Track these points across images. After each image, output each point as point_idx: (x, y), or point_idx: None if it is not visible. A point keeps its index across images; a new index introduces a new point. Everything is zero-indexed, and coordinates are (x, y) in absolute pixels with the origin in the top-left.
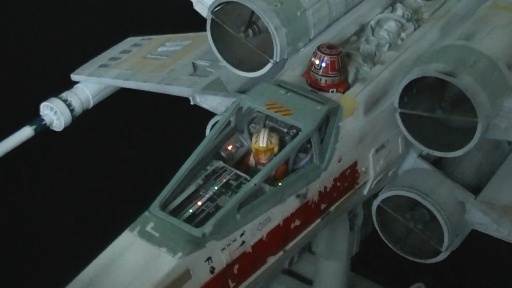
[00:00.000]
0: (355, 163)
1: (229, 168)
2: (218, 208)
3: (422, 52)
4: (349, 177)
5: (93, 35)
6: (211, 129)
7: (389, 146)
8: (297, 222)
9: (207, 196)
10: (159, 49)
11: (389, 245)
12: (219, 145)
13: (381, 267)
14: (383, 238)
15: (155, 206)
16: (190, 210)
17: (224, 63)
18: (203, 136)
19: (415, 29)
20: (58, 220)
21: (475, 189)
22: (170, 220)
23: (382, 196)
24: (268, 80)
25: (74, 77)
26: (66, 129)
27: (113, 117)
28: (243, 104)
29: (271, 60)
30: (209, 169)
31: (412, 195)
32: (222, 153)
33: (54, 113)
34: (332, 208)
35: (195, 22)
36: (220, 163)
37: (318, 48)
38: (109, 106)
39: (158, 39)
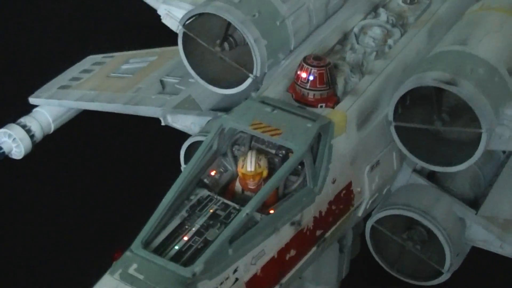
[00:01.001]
0: (350, 183)
1: (215, 197)
2: (207, 242)
3: (411, 59)
4: (344, 199)
5: (49, 54)
6: (185, 151)
7: (384, 162)
8: (293, 253)
9: (194, 229)
10: (123, 67)
11: (385, 267)
12: (202, 171)
13: None
14: (378, 260)
15: (137, 244)
16: (176, 247)
17: (199, 80)
18: (176, 159)
19: (401, 35)
20: (17, 254)
21: (473, 203)
22: (155, 259)
23: (376, 216)
24: (251, 97)
25: (32, 100)
26: (26, 156)
27: (77, 141)
28: (227, 125)
29: (250, 75)
30: (193, 199)
31: (410, 214)
32: (206, 180)
33: (13, 140)
34: (328, 234)
35: (158, 37)
36: (205, 192)
37: (304, 60)
38: (72, 129)
39: (121, 56)
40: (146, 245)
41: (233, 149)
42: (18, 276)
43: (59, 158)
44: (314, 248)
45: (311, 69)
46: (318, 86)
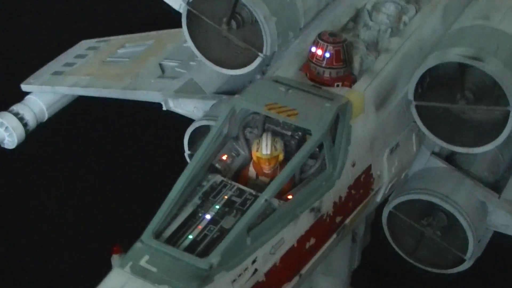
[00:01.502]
0: (369, 167)
1: (229, 182)
2: (223, 231)
3: (427, 37)
4: (364, 184)
5: (41, 39)
6: (189, 137)
7: (404, 145)
8: (312, 241)
9: (208, 217)
10: (119, 51)
11: (403, 255)
12: (213, 156)
13: (385, 283)
14: (396, 248)
15: (148, 234)
16: (190, 236)
17: (205, 61)
18: (180, 146)
19: (416, 12)
20: (8, 246)
21: (493, 187)
22: (168, 250)
23: (394, 202)
24: (263, 77)
25: (25, 87)
26: (19, 146)
27: (72, 129)
28: (240, 106)
29: (260, 54)
30: (206, 185)
31: (431, 198)
32: (217, 165)
33: (5, 129)
34: (348, 221)
35: (154, 20)
36: (218, 177)
37: (319, 36)
38: (67, 117)
39: (116, 40)
40: (157, 235)
41: (245, 131)
42: (12, 269)
43: (54, 147)
44: (334, 236)
45: (327, 46)
46: (334, 64)
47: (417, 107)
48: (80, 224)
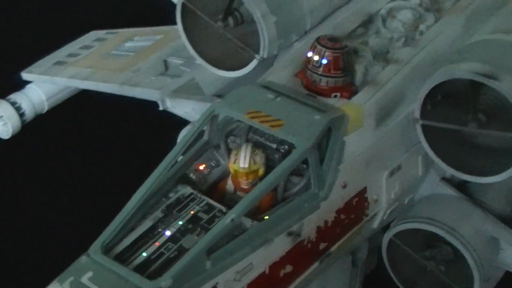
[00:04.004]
0: (364, 190)
1: (198, 195)
2: (181, 251)
3: (444, 49)
4: (357, 208)
5: (51, 27)
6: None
7: (406, 167)
8: (288, 268)
9: (168, 234)
10: (126, 45)
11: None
12: (187, 165)
13: None
14: (394, 279)
15: (95, 248)
16: (144, 254)
17: (198, 59)
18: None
19: (435, 21)
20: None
21: (509, 221)
22: (115, 268)
23: (395, 229)
24: (252, 82)
25: (25, 75)
26: (14, 136)
27: (71, 123)
28: (219, 110)
29: (256, 55)
30: (172, 197)
31: (434, 229)
32: (191, 175)
33: (0, 118)
34: (334, 248)
35: (170, 14)
36: (188, 189)
37: (317, 40)
38: (66, 110)
39: (125, 33)
40: (107, 250)
41: (228, 140)
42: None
43: (51, 140)
44: (316, 264)
45: (324, 51)
46: (332, 71)
47: (423, 126)
48: (71, 221)
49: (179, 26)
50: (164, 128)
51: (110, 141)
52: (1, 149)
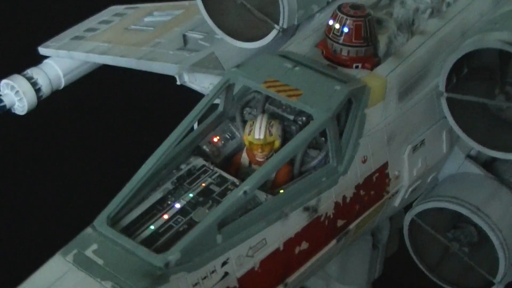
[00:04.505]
0: (385, 165)
1: (211, 168)
2: (191, 224)
3: (473, 22)
4: (377, 184)
5: (69, 1)
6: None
7: (430, 143)
8: (304, 246)
9: (178, 207)
10: (145, 20)
11: (424, 270)
12: (201, 136)
13: None
14: (416, 261)
15: (101, 220)
16: (152, 227)
17: (216, 30)
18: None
19: None
20: (17, 216)
21: None
22: (121, 240)
23: (417, 209)
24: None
25: (42, 50)
26: (30, 113)
27: (88, 100)
28: (235, 80)
29: (276, 26)
30: (184, 168)
31: (459, 209)
32: (205, 147)
33: (16, 93)
34: (352, 225)
35: None
36: (200, 161)
37: (339, 8)
38: (84, 87)
39: (145, 8)
40: (114, 222)
41: (244, 112)
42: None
43: (68, 116)
44: (333, 242)
45: (346, 19)
46: (353, 40)
47: (448, 100)
48: (85, 195)
49: None
50: (183, 103)
51: (127, 117)
52: (17, 126)
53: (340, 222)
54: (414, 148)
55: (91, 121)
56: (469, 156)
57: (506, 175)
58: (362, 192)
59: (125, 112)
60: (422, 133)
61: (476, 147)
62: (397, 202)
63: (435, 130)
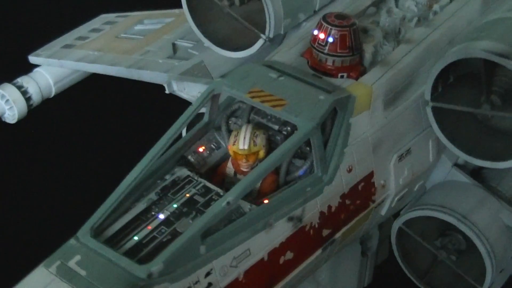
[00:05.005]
0: (371, 174)
1: (195, 178)
2: (175, 235)
3: (459, 30)
4: (363, 193)
5: (60, 10)
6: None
7: (417, 152)
8: (289, 255)
9: (162, 217)
10: (135, 28)
11: (412, 278)
12: (187, 146)
13: None
14: (404, 269)
15: (84, 231)
16: (136, 238)
17: (203, 39)
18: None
19: (450, 1)
20: (3, 226)
21: None
22: (104, 252)
23: (405, 217)
24: (255, 61)
25: (33, 59)
26: (20, 121)
27: (80, 108)
28: (219, 90)
29: (262, 35)
30: (168, 179)
31: (445, 217)
32: (190, 157)
33: (6, 102)
34: (338, 235)
35: None
36: (184, 171)
37: (324, 18)
38: (75, 95)
39: (135, 16)
40: (98, 233)
41: (230, 121)
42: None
43: (58, 125)
44: (319, 251)
45: (330, 29)
46: (338, 50)
47: (434, 108)
48: (78, 205)
49: (184, 5)
50: (173, 112)
51: (117, 126)
52: (8, 134)
53: (325, 232)
54: (400, 157)
55: (81, 130)
56: (456, 165)
57: (494, 183)
58: (347, 201)
59: (116, 121)
60: (408, 142)
61: (462, 157)
62: (384, 210)
63: (421, 138)
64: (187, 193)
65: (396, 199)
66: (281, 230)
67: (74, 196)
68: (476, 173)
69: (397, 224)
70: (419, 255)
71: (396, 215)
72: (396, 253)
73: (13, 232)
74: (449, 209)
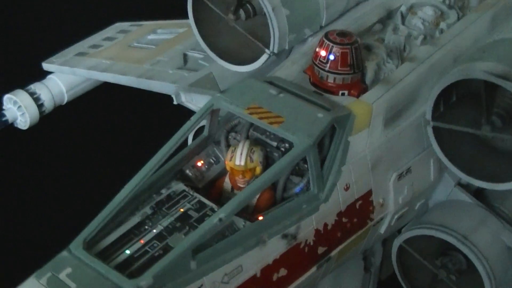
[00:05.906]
0: (369, 193)
1: (190, 193)
2: (167, 250)
3: (465, 49)
4: (360, 211)
5: (76, 18)
6: (194, 137)
7: (417, 171)
8: (283, 272)
9: (155, 232)
10: (148, 37)
11: None
12: (185, 160)
13: None
14: (404, 287)
15: (77, 243)
16: (128, 251)
17: (208, 52)
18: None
19: (458, 19)
20: (14, 232)
21: None
22: (95, 264)
23: (405, 235)
24: (256, 77)
25: (46, 66)
26: (32, 127)
27: (92, 116)
28: (218, 105)
29: (266, 50)
30: (164, 193)
31: (445, 237)
32: (188, 171)
33: (18, 108)
34: (334, 252)
35: None
36: (180, 186)
37: (326, 35)
38: (87, 103)
39: (149, 25)
40: (90, 246)
41: (229, 136)
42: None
43: (69, 132)
44: (313, 269)
45: (332, 47)
46: (339, 68)
47: (435, 128)
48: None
49: (191, 17)
50: (182, 124)
51: (130, 134)
52: (19, 140)
53: (321, 249)
54: (400, 176)
55: (93, 137)
56: (460, 184)
57: (496, 203)
58: (344, 219)
59: (127, 129)
60: (409, 161)
61: (462, 177)
62: (382, 229)
63: (422, 157)
64: (182, 208)
65: (395, 217)
66: (275, 247)
67: (87, 202)
68: (479, 193)
69: (397, 241)
70: (420, 273)
71: (398, 231)
72: (396, 271)
73: (14, 236)
74: (449, 228)
